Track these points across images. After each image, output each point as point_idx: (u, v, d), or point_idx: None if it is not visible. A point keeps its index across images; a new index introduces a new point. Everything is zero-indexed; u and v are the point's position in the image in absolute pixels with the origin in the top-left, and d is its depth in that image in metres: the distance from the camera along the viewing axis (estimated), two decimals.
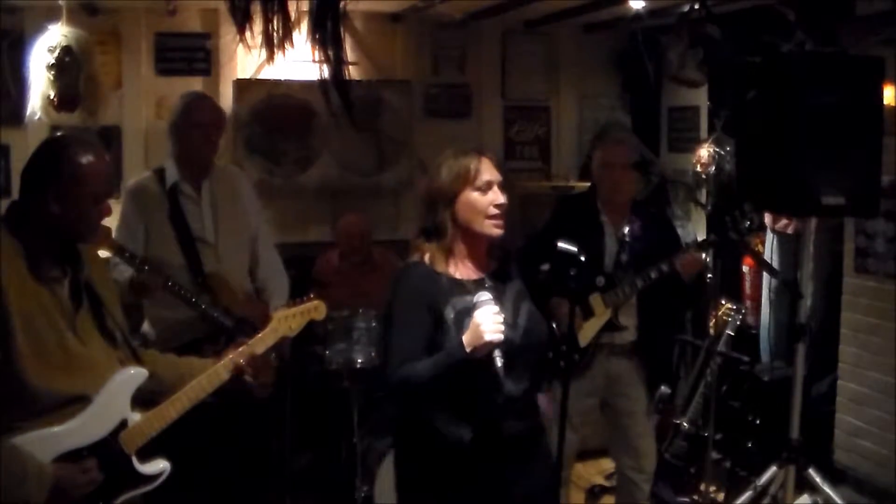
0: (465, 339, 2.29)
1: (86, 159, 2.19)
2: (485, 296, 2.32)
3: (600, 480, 4.61)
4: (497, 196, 2.45)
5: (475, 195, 2.44)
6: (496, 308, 2.30)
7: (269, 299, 3.55)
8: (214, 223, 3.47)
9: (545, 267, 2.36)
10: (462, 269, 2.49)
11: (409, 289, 2.45)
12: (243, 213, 3.59)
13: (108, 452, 2.19)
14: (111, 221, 3.00)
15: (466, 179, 2.44)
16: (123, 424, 2.23)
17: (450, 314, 2.39)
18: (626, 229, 3.61)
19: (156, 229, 3.40)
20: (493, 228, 2.44)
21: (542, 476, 2.54)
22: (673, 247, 3.62)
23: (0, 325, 2.03)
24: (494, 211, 2.44)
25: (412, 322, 2.40)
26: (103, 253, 3.20)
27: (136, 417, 2.25)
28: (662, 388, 4.62)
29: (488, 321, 2.27)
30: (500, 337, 2.27)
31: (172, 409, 2.31)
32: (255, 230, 3.63)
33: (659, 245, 3.57)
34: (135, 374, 2.27)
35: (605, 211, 3.64)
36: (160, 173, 3.48)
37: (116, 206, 3.47)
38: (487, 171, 2.46)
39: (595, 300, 3.53)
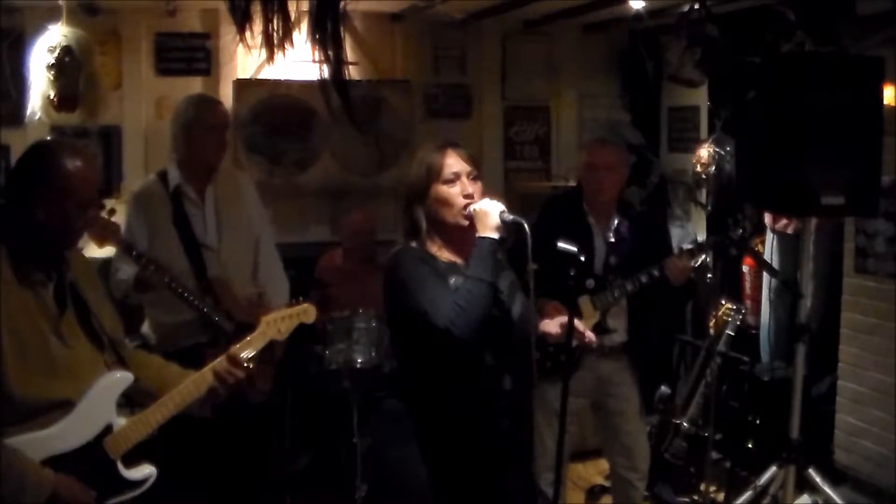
0: (479, 231, 2.42)
1: (73, 166, 2.15)
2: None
3: (600, 480, 4.60)
4: (466, 187, 2.48)
5: (444, 188, 2.48)
6: (486, 199, 2.47)
7: (268, 301, 3.54)
8: (218, 227, 3.46)
9: (531, 267, 2.38)
10: (449, 258, 2.53)
11: (414, 260, 2.48)
12: (247, 216, 3.58)
13: (93, 457, 2.16)
14: (117, 219, 3.01)
15: (433, 174, 2.48)
16: (108, 429, 2.20)
17: (450, 288, 2.43)
18: (613, 230, 3.58)
19: (160, 234, 3.39)
20: (464, 220, 2.47)
21: (522, 478, 2.58)
22: (663, 247, 3.57)
23: None
24: (465, 202, 2.47)
25: (433, 282, 2.43)
26: (109, 250, 3.21)
27: (121, 422, 2.22)
28: (662, 388, 4.63)
29: (488, 205, 2.43)
30: (503, 207, 2.42)
31: (158, 414, 2.28)
32: (258, 234, 3.62)
33: (648, 246, 3.53)
34: (120, 379, 2.24)
35: (592, 212, 3.60)
36: (163, 176, 3.46)
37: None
38: (454, 163, 2.49)
39: (584, 302, 3.51)
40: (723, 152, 4.95)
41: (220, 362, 2.40)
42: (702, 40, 4.42)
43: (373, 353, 4.08)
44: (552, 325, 2.73)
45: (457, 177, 2.48)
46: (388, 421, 2.64)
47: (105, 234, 2.96)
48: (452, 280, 2.45)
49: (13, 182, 2.19)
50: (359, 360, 4.07)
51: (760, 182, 3.39)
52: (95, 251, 3.11)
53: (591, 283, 3.50)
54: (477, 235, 2.43)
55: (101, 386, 2.20)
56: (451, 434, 2.46)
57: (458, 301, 2.36)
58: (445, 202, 2.48)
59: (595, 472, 4.75)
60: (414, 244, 2.52)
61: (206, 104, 3.52)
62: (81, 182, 2.17)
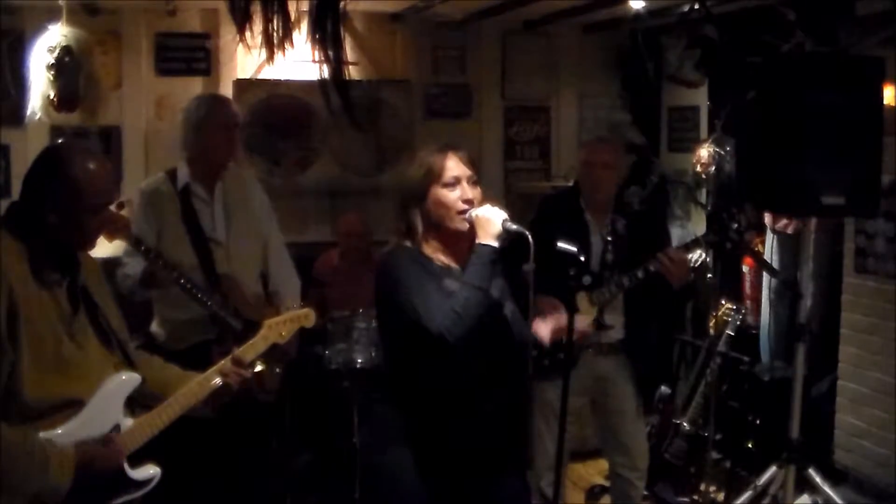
0: (480, 238, 2.40)
1: (85, 170, 2.17)
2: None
3: (600, 480, 4.60)
4: (466, 191, 2.46)
5: (443, 191, 2.46)
6: (489, 205, 2.45)
7: (281, 303, 3.52)
8: (226, 225, 3.48)
9: (528, 267, 2.37)
10: (444, 260, 2.52)
11: (409, 260, 2.47)
12: (255, 216, 3.60)
13: None
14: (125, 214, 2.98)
15: (433, 176, 2.46)
16: (116, 430, 2.21)
17: (444, 291, 2.42)
18: (610, 227, 3.59)
19: (168, 230, 3.40)
20: (462, 223, 2.46)
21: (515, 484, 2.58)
22: (661, 244, 3.56)
23: (10, 325, 2.03)
24: (463, 206, 2.45)
25: (428, 285, 2.42)
26: (118, 245, 3.20)
27: (128, 423, 2.24)
28: (662, 388, 4.63)
29: (491, 212, 2.42)
30: (506, 216, 2.41)
31: (164, 415, 2.29)
32: (267, 233, 3.63)
33: (645, 243, 3.52)
34: (127, 380, 2.26)
35: (589, 209, 3.61)
36: (172, 174, 3.48)
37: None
38: (455, 167, 2.47)
39: (580, 299, 3.50)
40: (723, 152, 4.95)
41: (224, 364, 2.43)
42: (702, 40, 4.42)
43: (373, 353, 4.08)
44: (543, 330, 2.71)
45: (457, 181, 2.46)
46: (377, 425, 2.63)
47: (115, 228, 2.95)
48: (446, 283, 2.43)
49: (27, 185, 2.21)
50: (359, 360, 4.07)
51: (760, 182, 3.39)
52: (98, 250, 3.11)
53: (587, 279, 3.50)
54: (477, 242, 2.41)
55: (109, 386, 2.21)
56: (441, 437, 2.45)
57: (454, 307, 2.35)
58: (444, 205, 2.46)
59: (595, 472, 4.75)
60: (408, 244, 2.51)
61: (217, 103, 3.55)
62: (93, 185, 2.18)
